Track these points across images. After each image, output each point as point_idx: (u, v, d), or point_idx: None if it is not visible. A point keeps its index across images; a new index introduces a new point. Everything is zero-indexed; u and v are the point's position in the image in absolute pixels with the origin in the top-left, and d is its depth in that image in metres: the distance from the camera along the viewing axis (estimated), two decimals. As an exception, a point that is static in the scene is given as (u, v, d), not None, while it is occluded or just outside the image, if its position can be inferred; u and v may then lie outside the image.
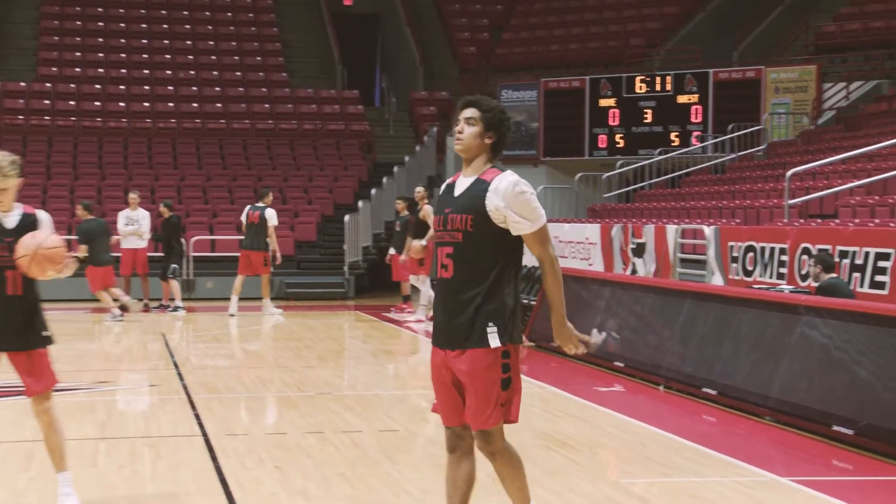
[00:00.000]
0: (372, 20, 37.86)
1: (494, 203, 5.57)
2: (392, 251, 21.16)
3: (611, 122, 27.55)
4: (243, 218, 20.92)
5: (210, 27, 34.63)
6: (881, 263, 12.03)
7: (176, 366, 13.94)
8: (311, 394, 11.91)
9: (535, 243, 5.60)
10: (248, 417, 10.36)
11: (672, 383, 11.85)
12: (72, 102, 30.49)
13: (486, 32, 35.24)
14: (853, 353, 9.18)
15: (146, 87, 31.54)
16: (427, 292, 19.55)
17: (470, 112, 5.74)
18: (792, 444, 9.31)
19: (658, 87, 27.05)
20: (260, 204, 20.74)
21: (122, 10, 34.25)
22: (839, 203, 16.70)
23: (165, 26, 34.16)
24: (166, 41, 33.68)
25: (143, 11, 34.38)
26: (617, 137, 27.48)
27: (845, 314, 9.50)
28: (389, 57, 37.29)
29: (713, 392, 11.01)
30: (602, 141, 27.57)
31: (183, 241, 22.32)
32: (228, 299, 20.64)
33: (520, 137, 27.31)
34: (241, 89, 32.03)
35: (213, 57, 33.41)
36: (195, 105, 31.07)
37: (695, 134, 26.49)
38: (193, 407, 10.87)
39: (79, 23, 33.76)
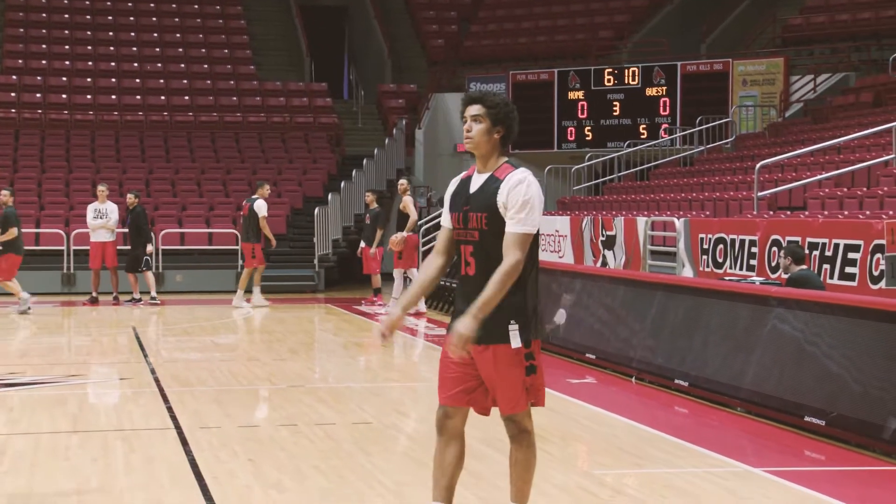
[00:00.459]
0: (340, 12, 37.77)
1: (502, 197, 5.59)
2: (363, 244, 21.14)
3: (579, 115, 27.63)
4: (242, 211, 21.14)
5: (177, 19, 34.44)
6: (851, 255, 12.12)
7: (147, 359, 13.88)
8: (283, 386, 11.89)
9: (510, 243, 5.55)
10: (220, 410, 10.32)
11: (644, 375, 11.89)
12: (38, 95, 30.27)
13: (454, 25, 35.24)
14: (824, 345, 9.24)
15: (113, 80, 31.35)
16: (399, 286, 19.55)
17: (476, 109, 5.71)
18: (764, 434, 9.36)
19: (626, 80, 27.15)
20: (254, 196, 20.83)
21: (87, 2, 34.05)
22: (808, 195, 16.82)
23: (132, 18, 33.94)
24: (133, 33, 33.48)
25: (108, 3, 34.17)
26: (586, 130, 27.57)
27: (816, 305, 9.56)
28: (357, 49, 37.22)
29: (685, 384, 11.06)
30: (571, 133, 27.65)
31: (151, 231, 22.31)
32: (198, 293, 20.58)
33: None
34: (208, 82, 31.89)
35: (181, 49, 33.25)
36: (162, 98, 30.91)
37: (663, 126, 26.61)
38: (166, 400, 10.83)
39: (44, 15, 33.52)
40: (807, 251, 12.41)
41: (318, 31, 36.02)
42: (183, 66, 32.50)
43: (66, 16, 33.64)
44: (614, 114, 27.23)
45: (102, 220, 21.29)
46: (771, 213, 16.49)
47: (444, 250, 5.88)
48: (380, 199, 21.37)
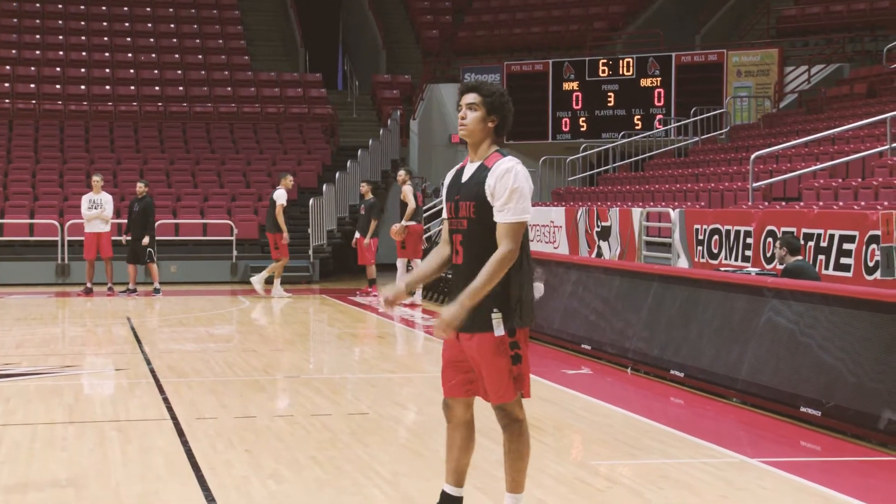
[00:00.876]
0: (334, 3, 37.72)
1: (490, 185, 5.62)
2: (357, 234, 21.13)
3: (574, 106, 27.63)
4: None
5: (171, 10, 34.39)
6: (846, 246, 12.13)
7: (142, 350, 13.88)
8: (279, 377, 11.90)
9: (502, 233, 5.59)
10: (216, 401, 10.32)
11: (639, 366, 11.91)
12: (31, 85, 30.21)
13: (448, 16, 35.20)
14: (819, 336, 9.25)
15: (107, 70, 31.31)
16: (402, 276, 19.58)
17: (472, 97, 5.76)
18: (759, 425, 9.38)
19: (621, 71, 27.15)
20: (279, 187, 21.00)
21: (82, -7, 34.01)
22: (803, 186, 16.82)
23: (126, 8, 33.88)
24: (127, 23, 33.44)
25: (103, -6, 34.14)
26: (580, 121, 27.56)
27: (811, 296, 9.57)
28: (352, 40, 37.17)
29: (680, 374, 11.08)
30: (565, 124, 27.65)
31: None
32: (192, 283, 20.57)
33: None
34: (202, 72, 31.85)
35: (175, 40, 33.19)
36: (157, 88, 30.86)
37: (658, 117, 26.62)
38: (162, 391, 10.83)
39: (38, 5, 33.45)
40: (802, 242, 12.43)
41: (312, 21, 35.97)
42: (177, 56, 32.45)
43: (60, 6, 33.56)
44: (609, 104, 27.23)
45: (97, 210, 21.27)
46: (766, 203, 16.49)
47: (448, 240, 5.92)
48: (374, 190, 21.35)
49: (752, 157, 17.36)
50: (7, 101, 29.57)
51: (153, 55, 32.29)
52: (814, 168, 17.19)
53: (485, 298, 5.59)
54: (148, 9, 34.12)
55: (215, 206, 26.08)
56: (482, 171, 5.69)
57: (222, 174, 27.68)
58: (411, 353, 14.79)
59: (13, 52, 31.46)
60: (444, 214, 5.92)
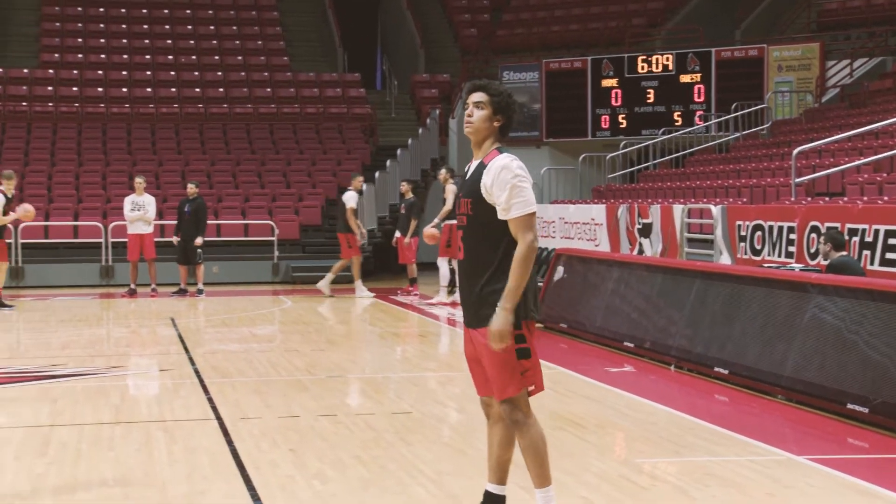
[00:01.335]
0: (372, 2, 37.79)
1: (486, 183, 5.68)
2: (398, 234, 21.16)
3: (613, 103, 27.53)
4: None
5: (210, 11, 34.59)
6: (891, 241, 12.04)
7: (186, 350, 13.96)
8: (322, 377, 11.93)
9: (516, 229, 5.65)
10: (260, 401, 10.36)
11: (683, 363, 11.86)
12: (74, 88, 30.46)
13: (486, 14, 35.19)
14: (866, 331, 9.18)
15: (148, 73, 31.53)
16: (445, 274, 19.63)
17: (479, 96, 5.88)
18: (805, 422, 9.32)
19: (660, 67, 27.02)
20: (349, 188, 21.05)
21: (122, -4, 34.25)
22: (846, 181, 16.70)
23: (166, 11, 34.12)
24: (167, 26, 33.65)
25: (143, -4, 34.37)
26: (619, 118, 27.46)
27: (857, 292, 9.50)
28: (390, 40, 37.23)
29: (725, 371, 11.02)
30: (605, 121, 27.55)
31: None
32: (234, 284, 20.67)
33: (522, 119, 27.26)
34: (242, 74, 32.00)
35: (214, 41, 33.37)
36: (197, 90, 31.05)
37: (698, 113, 26.48)
38: (206, 391, 10.89)
39: (80, 8, 33.72)
40: (846, 237, 12.33)
41: (350, 21, 36.05)
42: (217, 58, 32.63)
43: (102, 9, 33.82)
44: (648, 101, 27.12)
45: (139, 212, 21.40)
46: (809, 199, 16.38)
47: None
48: (415, 189, 21.39)
49: (795, 152, 17.24)
50: (51, 104, 29.83)
51: (193, 57, 32.48)
52: (857, 163, 17.06)
53: (490, 293, 5.66)
54: (188, 11, 34.33)
55: (256, 206, 26.20)
56: (480, 168, 5.79)
57: (263, 175, 27.79)
58: (453, 351, 14.79)
59: (56, 55, 31.73)
60: None
